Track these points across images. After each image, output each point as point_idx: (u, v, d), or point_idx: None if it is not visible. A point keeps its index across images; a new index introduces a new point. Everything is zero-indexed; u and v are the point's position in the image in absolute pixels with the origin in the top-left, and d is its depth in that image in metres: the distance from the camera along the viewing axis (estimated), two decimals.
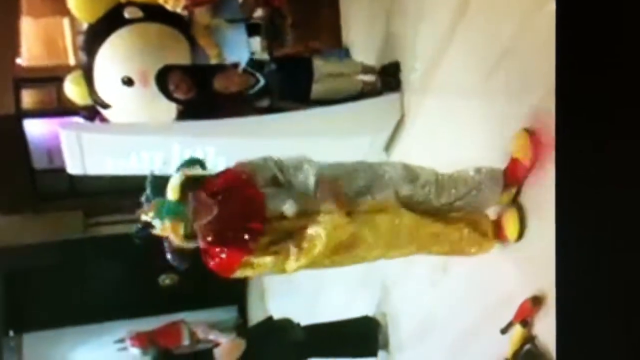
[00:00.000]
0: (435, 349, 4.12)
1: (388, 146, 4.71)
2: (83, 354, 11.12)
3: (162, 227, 2.71)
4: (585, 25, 1.26)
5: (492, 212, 3.13)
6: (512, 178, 2.99)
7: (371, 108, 4.67)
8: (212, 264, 2.81)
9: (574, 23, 1.26)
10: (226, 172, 2.95)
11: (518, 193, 3.02)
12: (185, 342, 9.61)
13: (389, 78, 4.64)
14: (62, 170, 5.28)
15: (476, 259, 3.30)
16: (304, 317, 5.04)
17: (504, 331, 3.06)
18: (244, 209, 2.80)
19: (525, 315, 2.93)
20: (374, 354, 4.81)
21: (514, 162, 2.98)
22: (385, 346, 4.81)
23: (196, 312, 10.44)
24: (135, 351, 10.18)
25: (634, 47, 1.25)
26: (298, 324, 4.77)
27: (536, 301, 2.87)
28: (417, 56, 4.33)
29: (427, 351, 4.25)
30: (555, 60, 1.33)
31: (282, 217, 2.81)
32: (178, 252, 2.86)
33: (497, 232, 3.07)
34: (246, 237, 2.74)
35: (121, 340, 10.43)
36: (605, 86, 1.26)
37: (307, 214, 2.82)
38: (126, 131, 4.91)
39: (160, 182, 2.78)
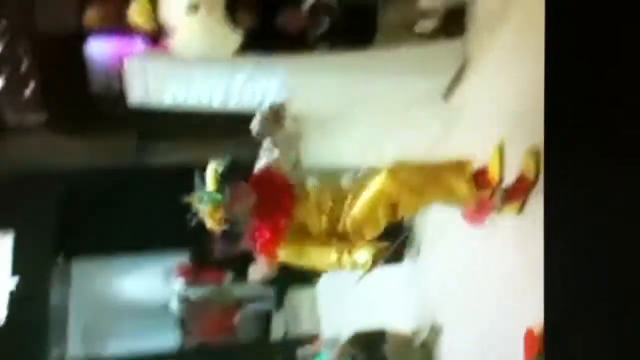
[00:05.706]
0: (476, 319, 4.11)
1: (447, 94, 4.65)
2: (130, 283, 11.43)
3: (203, 212, 3.20)
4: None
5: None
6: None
7: (432, 53, 4.57)
8: (257, 245, 3.34)
9: None
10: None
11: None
12: (229, 277, 9.78)
13: (452, 24, 4.56)
14: (120, 94, 5.37)
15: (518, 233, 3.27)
16: None
17: None
18: (276, 191, 3.32)
19: None
20: None
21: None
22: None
23: None
24: (179, 281, 10.44)
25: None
26: None
27: None
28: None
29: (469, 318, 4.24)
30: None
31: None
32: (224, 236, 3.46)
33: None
34: (282, 220, 3.26)
35: (169, 272, 10.69)
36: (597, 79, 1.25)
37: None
38: (191, 62, 4.94)
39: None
